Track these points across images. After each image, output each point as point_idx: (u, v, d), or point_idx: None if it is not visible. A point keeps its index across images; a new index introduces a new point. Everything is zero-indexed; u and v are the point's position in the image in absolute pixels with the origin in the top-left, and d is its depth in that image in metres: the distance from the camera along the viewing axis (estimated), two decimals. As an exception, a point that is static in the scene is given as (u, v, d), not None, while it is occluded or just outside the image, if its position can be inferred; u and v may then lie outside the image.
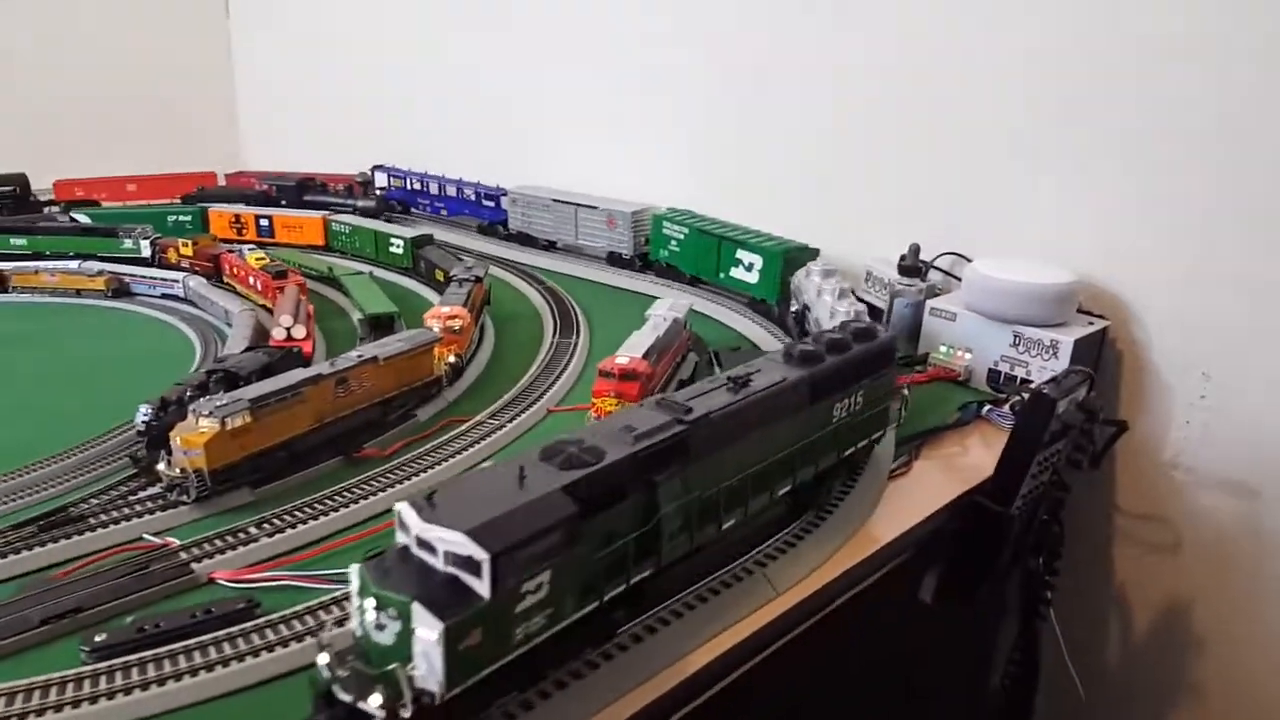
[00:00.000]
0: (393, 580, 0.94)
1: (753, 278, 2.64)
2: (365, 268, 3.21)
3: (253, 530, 1.49)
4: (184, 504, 1.57)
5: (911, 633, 1.89)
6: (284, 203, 3.76)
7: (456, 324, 2.28)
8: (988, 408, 2.02)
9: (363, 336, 2.56)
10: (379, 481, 1.70)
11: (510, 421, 1.98)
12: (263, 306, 2.77)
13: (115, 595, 1.29)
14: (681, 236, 2.93)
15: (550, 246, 3.41)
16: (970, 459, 1.86)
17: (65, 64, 4.57)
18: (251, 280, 2.87)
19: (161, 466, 1.59)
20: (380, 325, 2.56)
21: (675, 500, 1.19)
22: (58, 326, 2.85)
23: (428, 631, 0.89)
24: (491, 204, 3.60)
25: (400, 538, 0.99)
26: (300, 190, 3.83)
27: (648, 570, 1.19)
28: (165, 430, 1.64)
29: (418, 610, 0.90)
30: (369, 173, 3.98)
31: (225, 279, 3.05)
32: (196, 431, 1.57)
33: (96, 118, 4.59)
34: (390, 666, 0.91)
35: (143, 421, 1.72)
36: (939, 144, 2.48)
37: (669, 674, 1.19)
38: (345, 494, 1.64)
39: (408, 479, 1.72)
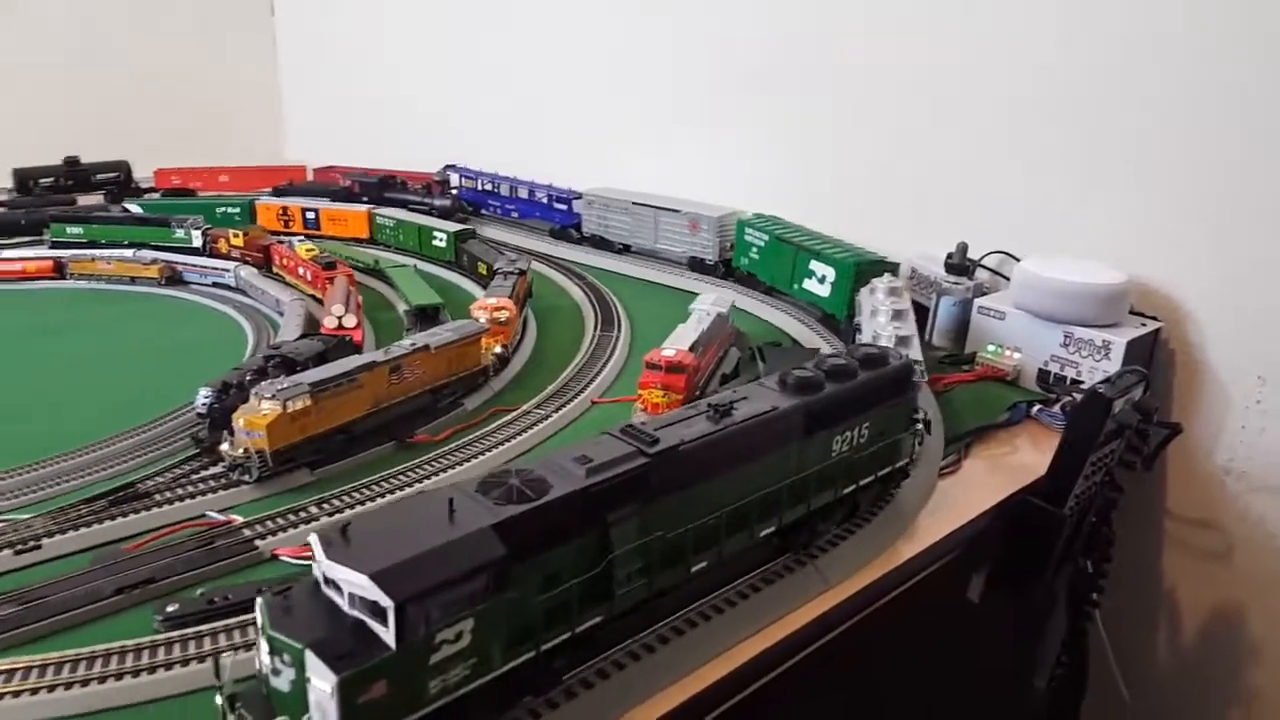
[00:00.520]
0: (292, 621, 0.87)
1: (824, 290, 2.48)
2: (410, 260, 3.25)
3: (313, 509, 1.53)
4: (246, 483, 1.61)
5: (956, 632, 1.88)
6: (366, 199, 3.76)
7: (502, 315, 2.31)
8: (1037, 408, 2.01)
9: (409, 327, 2.59)
10: (431, 466, 1.73)
11: (556, 412, 2.00)
12: (311, 296, 2.82)
13: (185, 568, 1.33)
14: (762, 244, 2.80)
15: (624, 250, 3.30)
16: (1020, 459, 1.85)
17: (108, 54, 4.67)
18: (301, 271, 2.91)
19: (224, 447, 1.63)
20: (426, 317, 2.59)
21: (632, 541, 1.08)
22: (114, 313, 2.92)
23: (322, 683, 0.82)
24: (564, 207, 3.51)
25: (315, 570, 0.91)
26: (382, 187, 3.83)
27: (597, 618, 1.08)
28: (227, 412, 1.68)
29: (311, 659, 0.83)
30: (446, 172, 3.96)
31: (274, 269, 3.11)
32: (259, 414, 1.61)
33: (141, 109, 4.68)
34: (279, 719, 0.86)
35: (203, 403, 1.76)
36: (986, 141, 2.46)
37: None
38: (399, 477, 1.68)
39: (458, 465, 1.75)
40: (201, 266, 3.13)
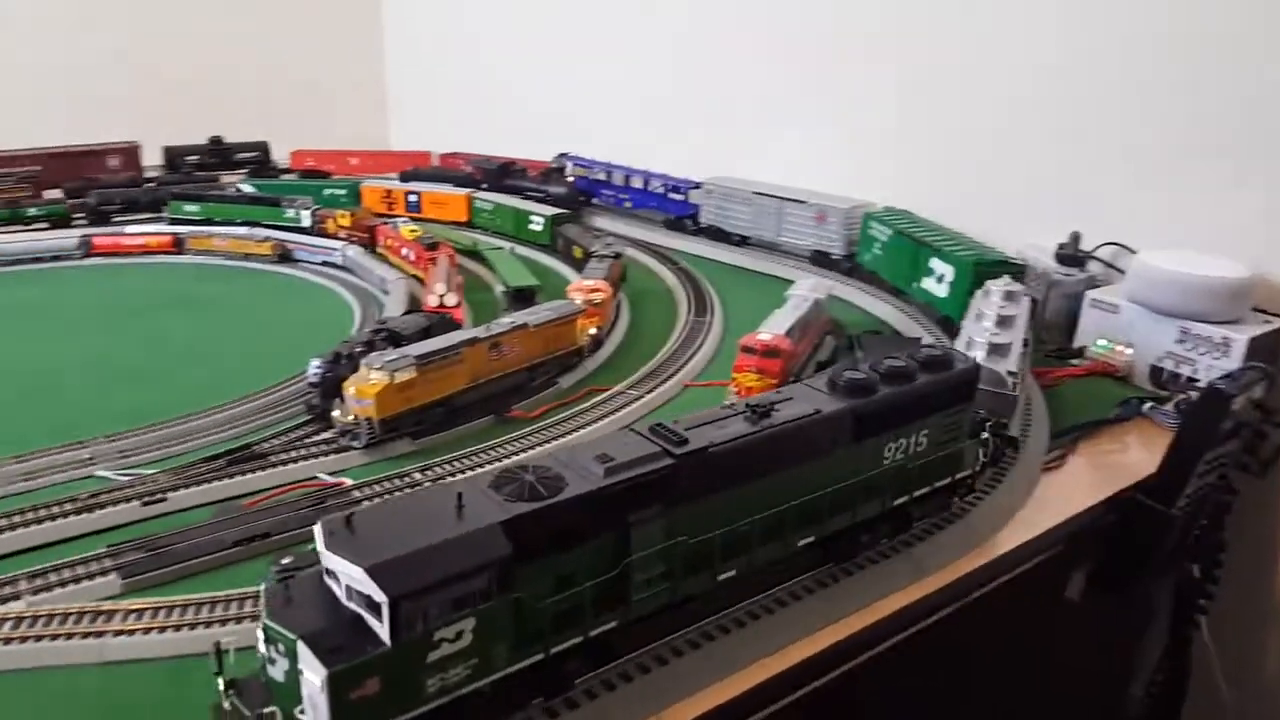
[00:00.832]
0: (290, 611, 0.85)
1: (942, 290, 2.30)
2: (507, 244, 3.31)
3: (417, 475, 1.58)
4: (354, 449, 1.68)
5: (1053, 629, 1.83)
6: (485, 185, 3.79)
7: (598, 297, 2.34)
8: (1149, 405, 1.93)
9: (506, 308, 2.65)
10: (526, 441, 1.77)
11: (648, 394, 2.01)
12: (413, 276, 2.90)
13: (300, 524, 1.40)
14: (885, 239, 2.61)
15: (742, 242, 3.16)
16: (1129, 457, 1.79)
17: (213, 36, 4.83)
18: (404, 251, 3.01)
19: (336, 414, 1.71)
20: (522, 298, 2.65)
21: (653, 545, 1.04)
22: (229, 287, 3.07)
23: (313, 676, 0.81)
24: (679, 197, 3.35)
25: (321, 560, 0.89)
26: (501, 174, 3.86)
27: (612, 622, 1.03)
28: (338, 381, 1.75)
29: (303, 651, 0.82)
30: (564, 160, 3.92)
31: (378, 249, 3.21)
32: (369, 383, 1.67)
33: (247, 90, 4.85)
34: (268, 710, 0.86)
35: (315, 373, 1.84)
36: (1102, 133, 2.37)
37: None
38: (496, 450, 1.72)
39: (553, 440, 1.78)
40: (311, 245, 3.26)
